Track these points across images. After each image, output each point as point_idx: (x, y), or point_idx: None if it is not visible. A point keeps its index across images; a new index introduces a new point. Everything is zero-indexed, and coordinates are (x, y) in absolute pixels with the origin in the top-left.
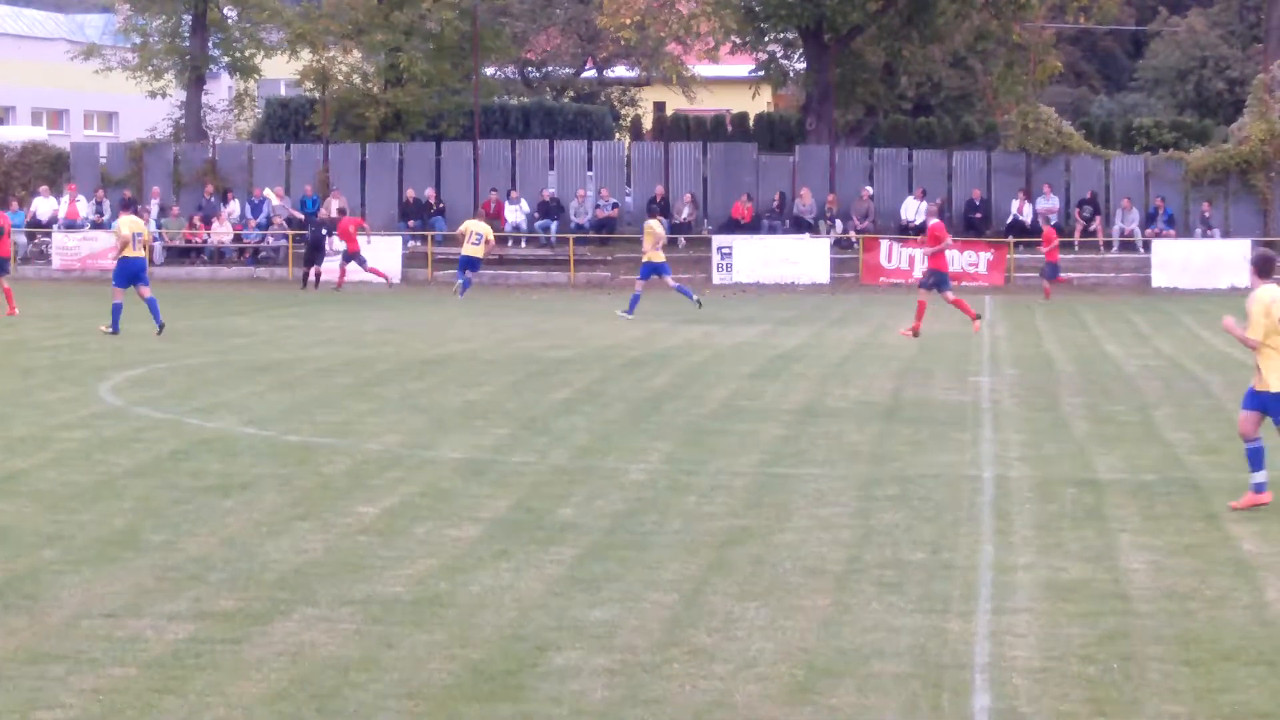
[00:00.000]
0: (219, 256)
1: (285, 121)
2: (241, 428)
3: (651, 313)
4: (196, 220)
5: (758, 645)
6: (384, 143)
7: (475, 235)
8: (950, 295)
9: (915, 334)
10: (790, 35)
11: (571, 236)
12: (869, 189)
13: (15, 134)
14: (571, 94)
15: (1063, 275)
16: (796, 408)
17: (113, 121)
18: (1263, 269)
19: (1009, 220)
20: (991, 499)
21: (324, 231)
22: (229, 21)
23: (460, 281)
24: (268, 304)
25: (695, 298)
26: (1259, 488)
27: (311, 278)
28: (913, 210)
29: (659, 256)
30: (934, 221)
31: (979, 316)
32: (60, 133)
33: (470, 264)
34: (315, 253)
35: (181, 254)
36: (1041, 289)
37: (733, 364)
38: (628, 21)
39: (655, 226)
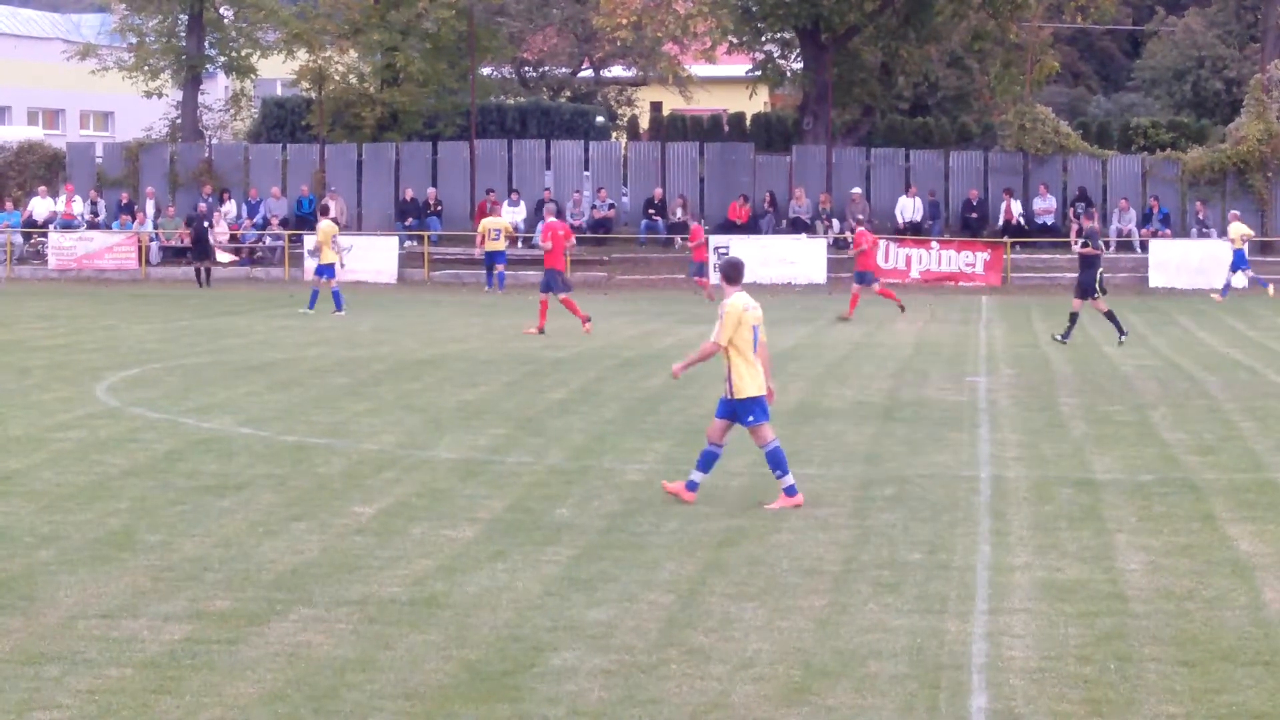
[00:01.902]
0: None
1: (281, 121)
2: (237, 428)
3: (649, 313)
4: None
5: (755, 645)
6: (380, 143)
7: (494, 231)
8: (877, 286)
9: (847, 319)
10: (787, 35)
11: None
12: (858, 190)
13: (11, 134)
14: (568, 94)
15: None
16: (793, 408)
17: (109, 121)
18: (731, 276)
19: (1000, 223)
20: (988, 499)
21: (206, 225)
22: (225, 21)
23: (496, 278)
24: (263, 304)
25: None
26: (692, 485)
27: (204, 274)
28: (909, 210)
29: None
30: (859, 230)
31: (904, 308)
32: (56, 133)
33: (497, 258)
34: (201, 247)
35: (177, 253)
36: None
37: None
38: (624, 21)
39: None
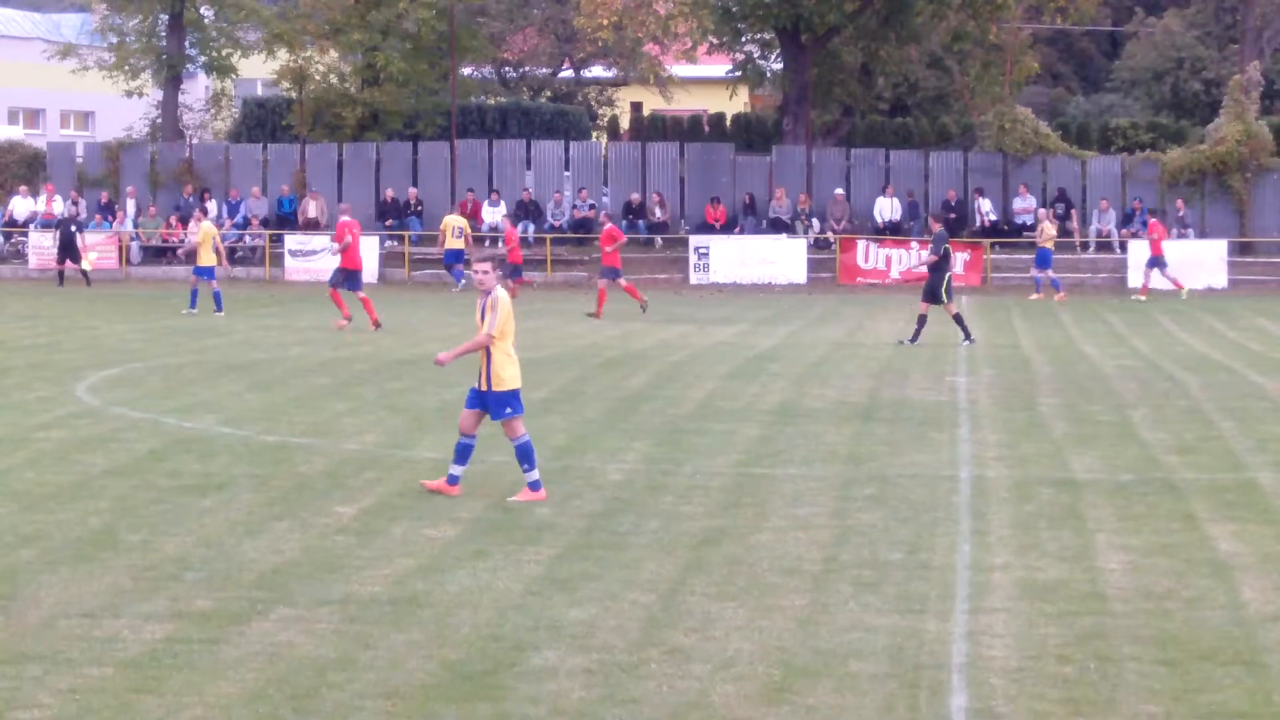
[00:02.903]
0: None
1: (262, 121)
2: (219, 427)
3: (630, 314)
4: (173, 220)
5: (735, 645)
6: (361, 142)
7: (456, 229)
8: (623, 282)
9: (597, 316)
10: (767, 36)
11: (549, 237)
12: (840, 190)
13: None
14: (549, 94)
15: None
16: (774, 408)
17: (89, 121)
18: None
19: (977, 224)
20: (968, 499)
21: (74, 229)
22: (206, 21)
23: (455, 276)
24: (245, 304)
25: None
26: (453, 480)
27: (69, 272)
28: (888, 211)
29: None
30: (608, 226)
31: (645, 307)
32: (37, 132)
33: (456, 257)
34: (67, 251)
35: (158, 253)
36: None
37: (710, 364)
38: (605, 22)
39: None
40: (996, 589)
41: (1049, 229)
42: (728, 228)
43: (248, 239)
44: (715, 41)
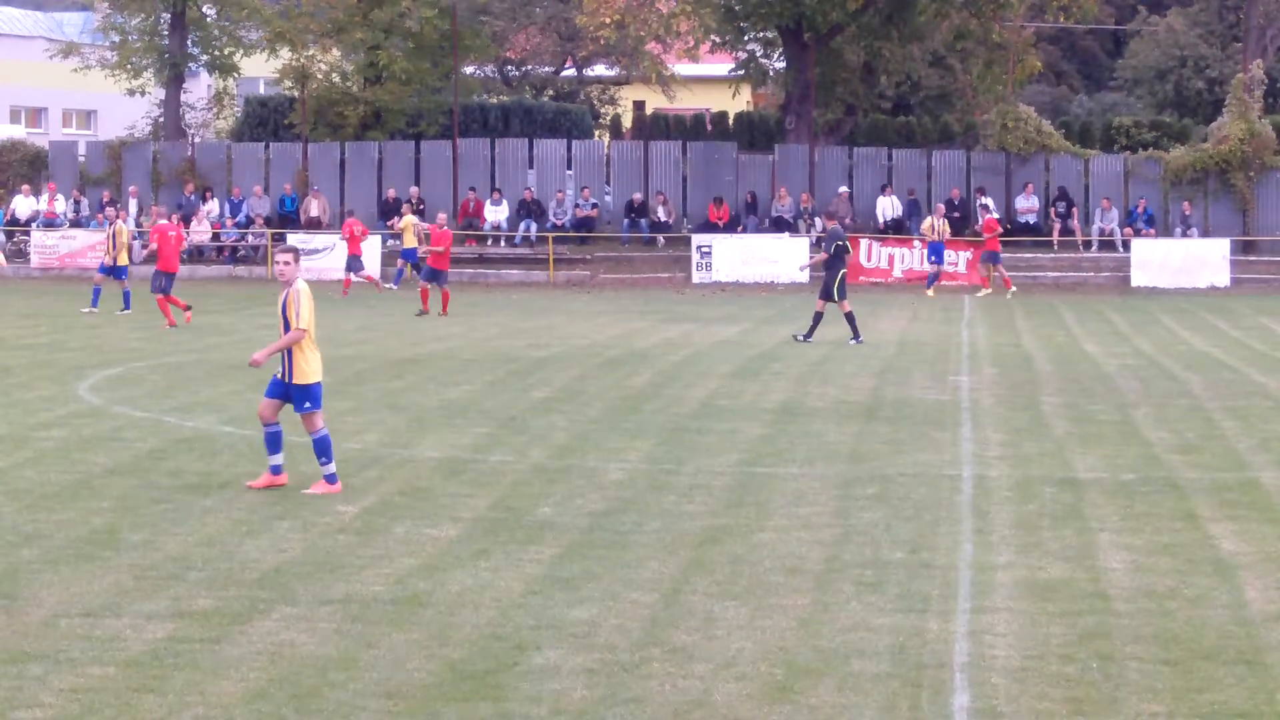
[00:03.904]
0: (197, 255)
1: (264, 120)
2: (221, 426)
3: (631, 312)
4: (175, 219)
5: (737, 644)
6: (363, 141)
7: (418, 229)
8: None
9: (423, 313)
10: (770, 34)
11: (551, 236)
12: (844, 189)
13: None
14: (551, 93)
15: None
16: (776, 407)
17: (91, 120)
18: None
19: (979, 223)
20: (970, 498)
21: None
22: (208, 20)
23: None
24: (246, 303)
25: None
26: (276, 470)
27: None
28: (889, 209)
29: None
30: (442, 230)
31: (424, 313)
32: (39, 131)
33: (413, 254)
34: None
35: None
36: (992, 280)
37: (712, 363)
38: (607, 20)
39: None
40: (999, 588)
41: (941, 226)
42: (730, 227)
43: (250, 238)
44: (718, 40)
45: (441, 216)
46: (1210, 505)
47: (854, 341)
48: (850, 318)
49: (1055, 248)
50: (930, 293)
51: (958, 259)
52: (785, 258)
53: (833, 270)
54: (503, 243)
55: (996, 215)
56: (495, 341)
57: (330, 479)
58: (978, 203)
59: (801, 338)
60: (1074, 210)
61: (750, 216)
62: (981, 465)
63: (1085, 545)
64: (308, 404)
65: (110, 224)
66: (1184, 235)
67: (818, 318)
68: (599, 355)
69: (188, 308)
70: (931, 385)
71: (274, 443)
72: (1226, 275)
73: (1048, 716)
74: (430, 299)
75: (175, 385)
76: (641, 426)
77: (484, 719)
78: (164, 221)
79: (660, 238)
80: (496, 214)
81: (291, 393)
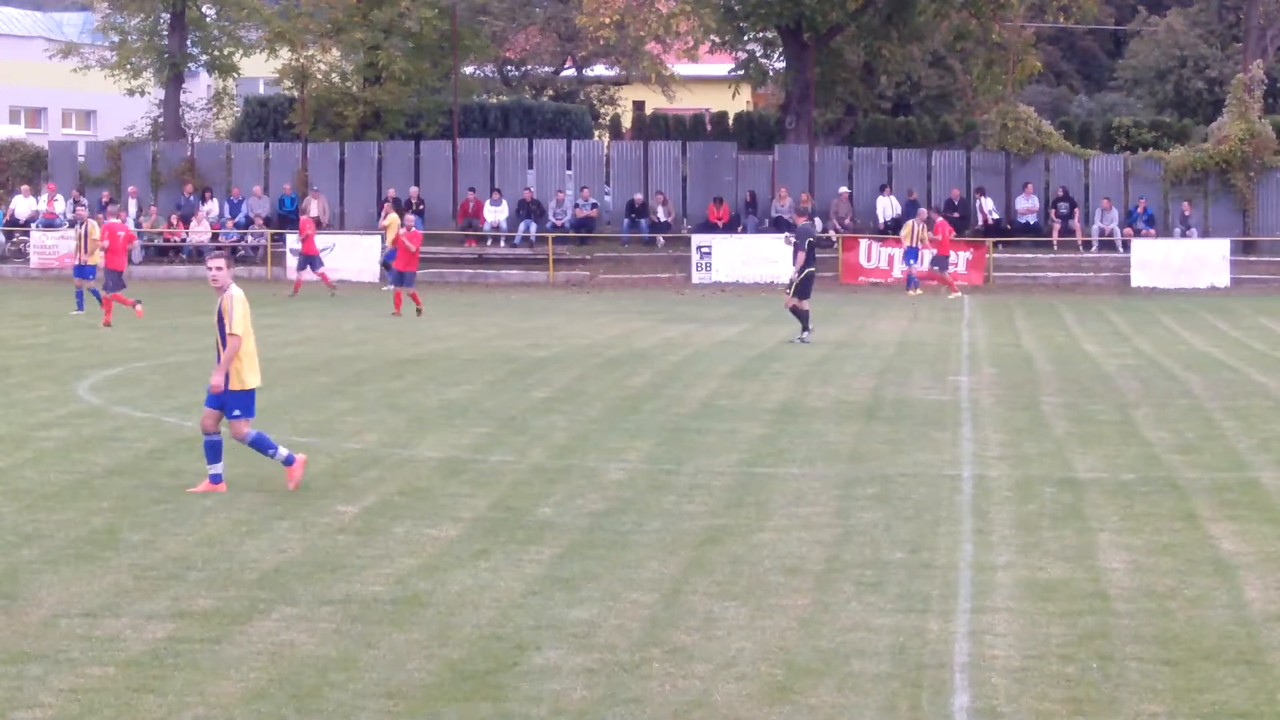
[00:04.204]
0: (197, 255)
1: (264, 120)
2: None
3: (631, 312)
4: (175, 219)
5: (737, 644)
6: (363, 142)
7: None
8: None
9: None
10: (769, 34)
11: (550, 236)
12: (845, 189)
13: None
14: (551, 93)
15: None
16: (776, 407)
17: (91, 120)
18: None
19: (979, 223)
20: (971, 498)
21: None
22: (207, 20)
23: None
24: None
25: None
26: (216, 478)
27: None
28: (889, 210)
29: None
30: (411, 231)
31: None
32: (38, 131)
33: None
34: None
35: (160, 252)
36: (941, 281)
37: (712, 363)
38: (607, 20)
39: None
40: (999, 588)
41: (920, 230)
42: (730, 227)
43: (249, 238)
44: (717, 40)
45: (410, 218)
46: (1210, 505)
47: (799, 339)
48: (796, 311)
49: (1055, 248)
50: (913, 293)
51: (957, 259)
52: (785, 258)
53: (798, 267)
54: (502, 243)
55: (946, 218)
56: (495, 341)
57: (214, 479)
58: (977, 203)
59: (800, 338)
60: (1075, 210)
61: (750, 216)
62: (981, 465)
63: (1085, 545)
64: (237, 411)
65: (81, 223)
66: (1184, 235)
67: (794, 312)
68: (599, 355)
69: (137, 302)
70: (932, 385)
71: (214, 452)
72: (1226, 275)
73: (1048, 716)
74: (402, 301)
75: (175, 385)
76: (641, 426)
77: (484, 719)
78: (114, 220)
79: (660, 238)
80: (496, 214)
81: (226, 399)
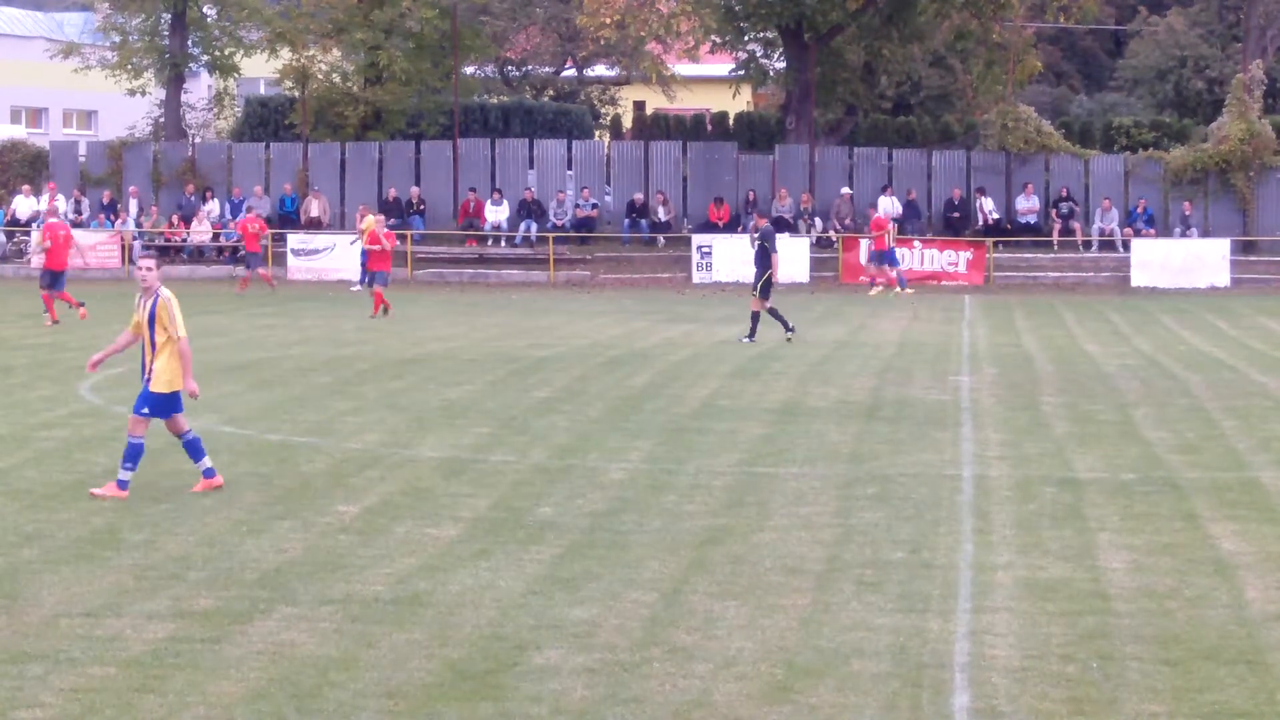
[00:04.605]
0: (198, 255)
1: (265, 120)
2: (221, 426)
3: (632, 312)
4: (176, 219)
5: (738, 644)
6: (363, 142)
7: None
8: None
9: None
10: (770, 34)
11: (551, 236)
12: (847, 190)
13: None
14: (551, 93)
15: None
16: (776, 407)
17: (92, 120)
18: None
19: (980, 223)
20: (971, 498)
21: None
22: (208, 20)
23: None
24: (247, 303)
25: None
26: (209, 473)
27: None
28: (890, 210)
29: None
30: (384, 231)
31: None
32: (40, 131)
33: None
34: None
35: (160, 253)
36: (878, 279)
37: (712, 363)
38: (608, 20)
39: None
40: (999, 588)
41: (891, 229)
42: (730, 227)
43: None
44: (718, 40)
45: (380, 217)
46: (1210, 505)
47: (745, 340)
48: (756, 317)
49: (1055, 248)
50: (877, 291)
51: (958, 259)
52: (785, 258)
53: (760, 268)
54: (503, 243)
55: (886, 214)
56: (496, 341)
57: (121, 485)
58: (961, 201)
59: (787, 334)
60: (1075, 210)
61: (750, 217)
62: (982, 465)
63: (1085, 545)
64: (146, 409)
65: (40, 224)
66: (1184, 235)
67: (773, 313)
68: (600, 355)
69: (80, 304)
70: (932, 385)
71: (195, 450)
72: (1226, 275)
73: (1048, 716)
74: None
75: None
76: (642, 426)
77: (484, 719)
78: (54, 220)
79: (660, 238)
80: (497, 214)
81: (143, 393)
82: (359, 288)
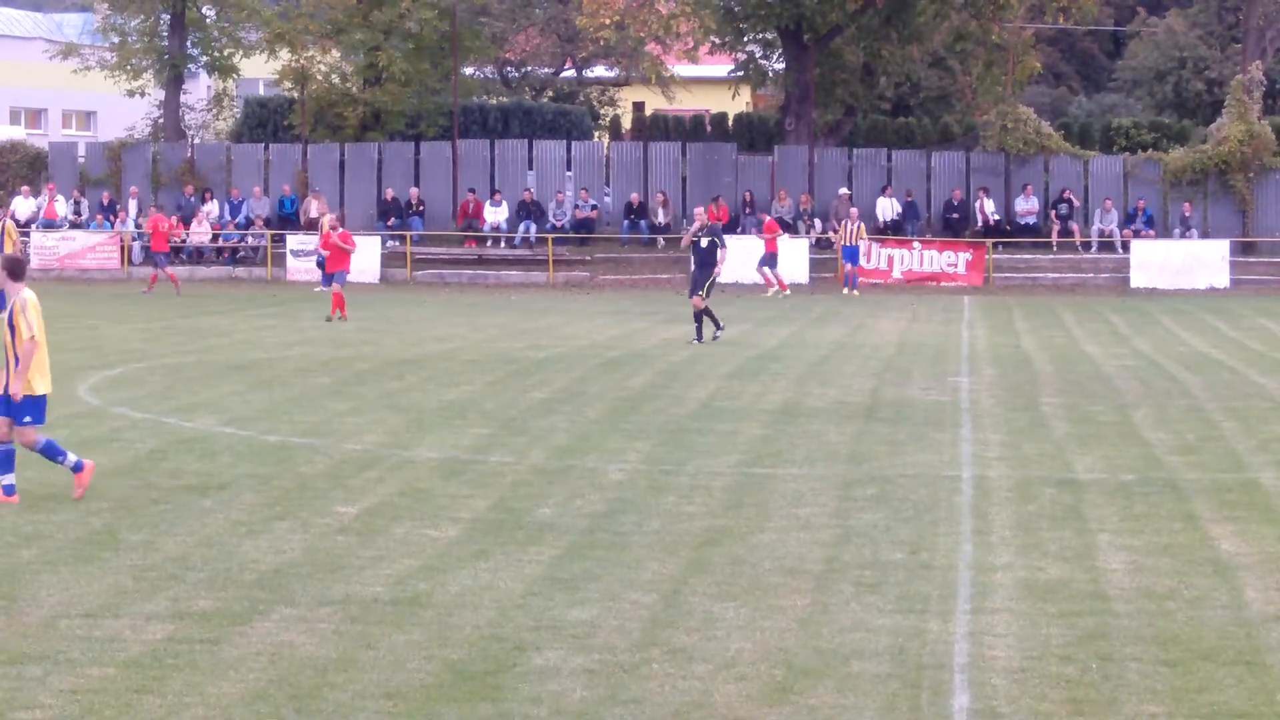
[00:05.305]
0: (197, 256)
1: (264, 121)
2: (220, 427)
3: (631, 313)
4: (175, 220)
5: (737, 645)
6: (363, 142)
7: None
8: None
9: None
10: (769, 35)
11: (550, 237)
12: (845, 190)
13: None
14: (551, 94)
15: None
16: (775, 408)
17: (91, 121)
18: (16, 273)
19: (979, 224)
20: (970, 499)
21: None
22: (207, 21)
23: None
24: (246, 304)
25: None
26: (9, 490)
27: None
28: (889, 210)
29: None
30: (339, 231)
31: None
32: (39, 132)
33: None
34: None
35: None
36: (769, 281)
37: (712, 364)
38: (607, 21)
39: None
40: (998, 589)
41: (856, 229)
42: (730, 228)
43: (249, 239)
44: (717, 41)
45: (331, 216)
46: (1210, 506)
47: (694, 341)
48: (700, 316)
49: (1055, 249)
50: (850, 292)
51: (957, 260)
52: (785, 259)
53: (706, 268)
54: (502, 244)
55: (776, 216)
56: (495, 342)
57: (7, 490)
58: (978, 203)
59: (716, 334)
60: (1074, 210)
61: (750, 217)
62: (981, 466)
63: (1085, 546)
64: (28, 418)
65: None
66: (1183, 236)
67: (707, 312)
68: (599, 356)
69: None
70: (931, 386)
71: (6, 462)
72: (1226, 276)
73: (1047, 717)
74: (329, 302)
75: (175, 386)
76: (641, 427)
77: (484, 719)
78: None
79: (660, 239)
80: (496, 215)
81: (11, 404)
82: (321, 289)
